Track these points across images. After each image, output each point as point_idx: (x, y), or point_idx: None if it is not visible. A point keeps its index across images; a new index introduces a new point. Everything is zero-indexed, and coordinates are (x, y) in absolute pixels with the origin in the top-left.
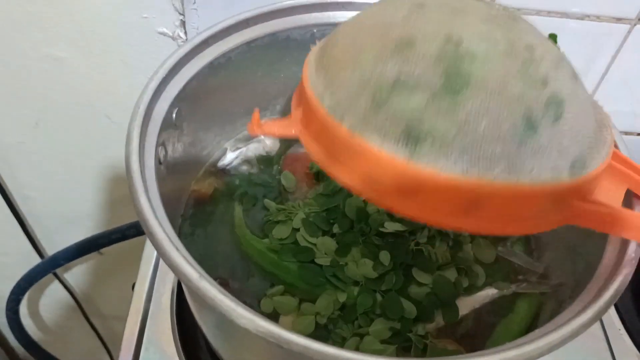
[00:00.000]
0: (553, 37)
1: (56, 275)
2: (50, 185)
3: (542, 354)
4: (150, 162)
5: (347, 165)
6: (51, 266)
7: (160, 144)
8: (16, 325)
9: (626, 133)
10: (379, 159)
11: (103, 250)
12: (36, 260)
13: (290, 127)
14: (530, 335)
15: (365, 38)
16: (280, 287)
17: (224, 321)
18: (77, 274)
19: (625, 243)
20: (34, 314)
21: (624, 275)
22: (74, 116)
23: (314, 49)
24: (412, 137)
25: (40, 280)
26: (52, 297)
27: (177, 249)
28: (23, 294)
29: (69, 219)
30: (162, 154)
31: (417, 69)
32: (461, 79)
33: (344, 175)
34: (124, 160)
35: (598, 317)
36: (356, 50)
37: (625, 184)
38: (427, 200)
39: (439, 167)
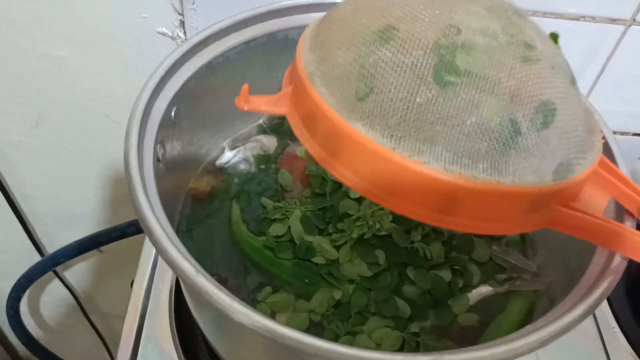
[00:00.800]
0: (554, 37)
1: (56, 274)
2: (50, 183)
3: (532, 350)
4: (148, 160)
5: (332, 150)
6: (52, 264)
7: (159, 141)
8: (16, 323)
9: (621, 133)
10: (362, 149)
11: (103, 248)
12: (36, 258)
13: (279, 105)
14: (521, 331)
15: (362, 18)
16: (268, 289)
17: (221, 317)
18: (77, 272)
19: None
20: (34, 312)
21: (614, 273)
22: (73, 115)
23: (312, 24)
24: (397, 128)
25: (40, 277)
26: (52, 296)
27: (175, 246)
28: (24, 291)
29: (68, 217)
30: (160, 151)
31: (409, 57)
32: (453, 72)
33: (327, 162)
34: (123, 157)
35: (588, 314)
36: (350, 31)
37: (609, 193)
38: (407, 193)
39: (421, 161)
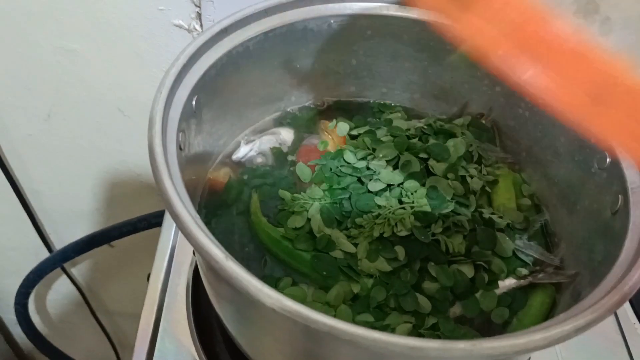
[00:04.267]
0: None
1: (64, 271)
2: (60, 179)
3: (568, 337)
4: (172, 147)
5: None
6: (61, 259)
7: (181, 130)
8: (24, 319)
9: None
10: None
11: (113, 243)
12: (45, 255)
13: None
14: (554, 319)
15: None
16: (288, 279)
17: (247, 303)
18: (84, 270)
19: None
20: (41, 309)
21: None
22: (85, 109)
23: None
24: None
25: (50, 273)
26: (59, 293)
27: (203, 231)
28: (32, 287)
29: (78, 214)
30: (182, 140)
31: None
32: None
33: None
34: (147, 143)
35: (624, 300)
36: None
37: None
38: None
39: None
